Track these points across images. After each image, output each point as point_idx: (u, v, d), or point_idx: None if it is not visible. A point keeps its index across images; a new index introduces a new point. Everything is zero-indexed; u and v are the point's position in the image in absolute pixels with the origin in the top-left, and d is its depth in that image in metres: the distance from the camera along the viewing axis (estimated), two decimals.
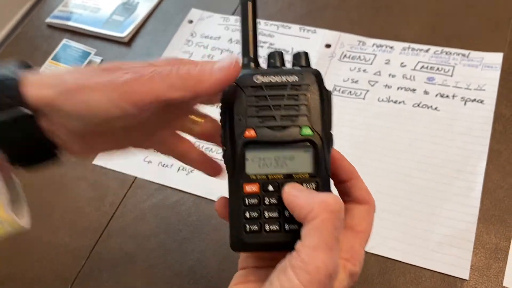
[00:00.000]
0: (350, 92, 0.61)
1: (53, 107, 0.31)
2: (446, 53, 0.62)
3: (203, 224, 0.54)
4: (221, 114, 0.33)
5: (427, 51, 0.62)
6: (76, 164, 0.60)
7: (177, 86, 0.30)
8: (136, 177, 0.59)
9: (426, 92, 0.59)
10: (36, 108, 0.31)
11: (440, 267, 0.47)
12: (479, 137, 0.54)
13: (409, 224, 0.50)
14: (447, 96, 0.58)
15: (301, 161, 0.32)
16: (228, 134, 0.33)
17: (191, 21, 0.73)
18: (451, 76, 0.60)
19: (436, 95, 0.58)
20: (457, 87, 0.59)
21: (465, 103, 0.57)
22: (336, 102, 0.60)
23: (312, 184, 0.32)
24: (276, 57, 0.35)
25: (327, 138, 0.33)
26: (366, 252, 0.48)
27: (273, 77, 0.33)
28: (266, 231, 0.32)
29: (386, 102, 0.59)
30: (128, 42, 0.73)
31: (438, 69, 0.61)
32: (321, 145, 0.32)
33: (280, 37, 0.68)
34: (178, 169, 0.58)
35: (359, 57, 0.64)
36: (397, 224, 0.50)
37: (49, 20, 0.78)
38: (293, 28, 0.69)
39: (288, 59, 0.35)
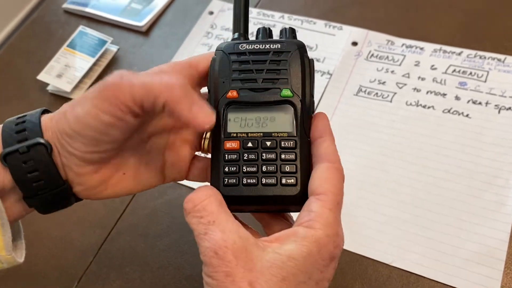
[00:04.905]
0: (377, 93, 0.58)
1: (58, 134, 0.33)
2: (480, 57, 0.58)
3: None
4: (208, 79, 0.35)
5: (459, 54, 0.59)
6: None
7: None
8: None
9: (457, 98, 0.56)
10: (51, 143, 0.33)
11: (468, 285, 0.44)
12: None
13: (434, 238, 0.47)
14: (480, 103, 0.55)
15: (281, 122, 0.34)
16: (213, 96, 0.35)
17: (211, 13, 0.71)
18: (485, 82, 0.56)
19: (468, 101, 0.55)
20: (491, 93, 0.55)
21: (499, 111, 0.54)
22: (361, 103, 0.57)
23: (290, 142, 0.33)
24: (263, 32, 0.37)
25: (308, 102, 0.34)
26: (388, 266, 0.46)
27: (257, 45, 0.35)
28: (244, 184, 0.33)
29: (415, 106, 0.56)
30: (146, 32, 0.71)
31: (471, 73, 0.57)
32: (300, 107, 0.34)
33: (304, 32, 0.65)
34: None
35: (387, 57, 0.61)
36: (421, 238, 0.47)
37: (66, 5, 0.76)
38: (318, 23, 0.66)
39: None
